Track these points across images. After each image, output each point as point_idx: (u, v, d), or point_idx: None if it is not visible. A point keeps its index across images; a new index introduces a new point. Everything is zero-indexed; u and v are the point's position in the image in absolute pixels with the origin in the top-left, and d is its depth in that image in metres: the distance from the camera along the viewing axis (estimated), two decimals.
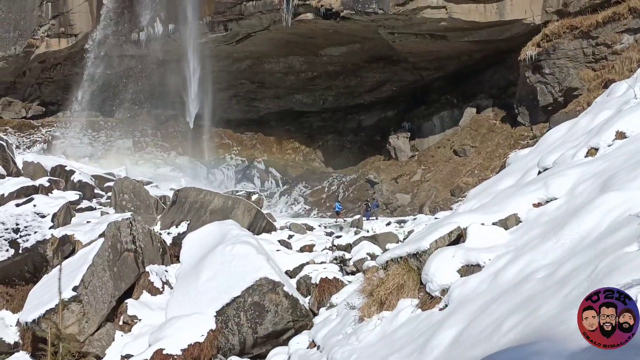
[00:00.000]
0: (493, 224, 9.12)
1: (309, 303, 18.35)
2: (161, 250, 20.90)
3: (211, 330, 17.04)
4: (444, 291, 8.28)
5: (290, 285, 18.59)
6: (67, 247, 20.73)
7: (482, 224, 9.15)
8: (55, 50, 40.56)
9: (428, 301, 8.65)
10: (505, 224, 9.13)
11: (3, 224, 21.88)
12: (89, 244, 19.65)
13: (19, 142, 39.57)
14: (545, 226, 7.93)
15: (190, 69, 39.22)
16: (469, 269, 8.23)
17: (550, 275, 6.22)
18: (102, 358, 17.20)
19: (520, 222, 8.96)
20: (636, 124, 10.11)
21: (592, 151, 10.46)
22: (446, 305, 7.91)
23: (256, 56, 40.73)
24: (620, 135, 10.25)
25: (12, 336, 18.67)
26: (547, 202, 8.90)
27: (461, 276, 8.25)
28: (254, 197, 33.53)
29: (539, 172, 11.37)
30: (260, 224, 24.56)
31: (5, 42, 39.73)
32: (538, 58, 32.79)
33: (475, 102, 37.73)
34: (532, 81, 32.82)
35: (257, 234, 22.62)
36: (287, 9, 34.75)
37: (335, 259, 21.13)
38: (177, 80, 39.64)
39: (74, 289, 17.27)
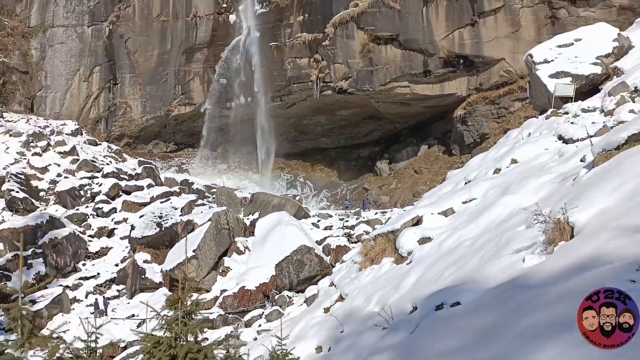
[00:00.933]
0: (438, 213, 11.29)
1: (329, 259, 22.53)
2: (244, 228, 25.52)
3: (272, 275, 21.22)
4: (409, 253, 10.24)
5: (319, 249, 22.74)
6: (189, 227, 25.84)
7: (432, 214, 11.28)
8: (183, 113, 51.01)
9: (400, 259, 10.66)
10: (445, 213, 11.25)
11: (153, 213, 28.64)
12: (202, 225, 24.28)
13: (161, 166, 48.49)
14: (469, 215, 9.82)
15: (258, 124, 48.87)
16: (424, 240, 10.20)
17: (472, 244, 8.01)
18: (209, 291, 21.85)
19: (454, 212, 10.95)
20: (523, 154, 12.82)
21: (497, 171, 12.75)
22: (411, 262, 9.78)
23: (298, 116, 49.66)
24: (514, 161, 12.61)
25: (158, 278, 24.46)
26: (470, 201, 10.99)
27: (419, 244, 10.16)
28: (297, 198, 41.17)
29: (465, 183, 13.44)
30: (300, 214, 29.59)
31: (155, 109, 50.34)
32: (464, 116, 42.42)
33: (427, 142, 46.74)
34: (461, 129, 42.68)
35: (299, 219, 27.18)
36: (316, 88, 44.97)
37: (345, 234, 26.73)
38: (253, 130, 49.29)
39: (194, 251, 22.21)
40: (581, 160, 9.62)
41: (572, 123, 13.63)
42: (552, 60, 18.62)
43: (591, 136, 10.61)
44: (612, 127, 11.22)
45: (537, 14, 39.53)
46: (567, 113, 15.69)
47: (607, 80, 17.11)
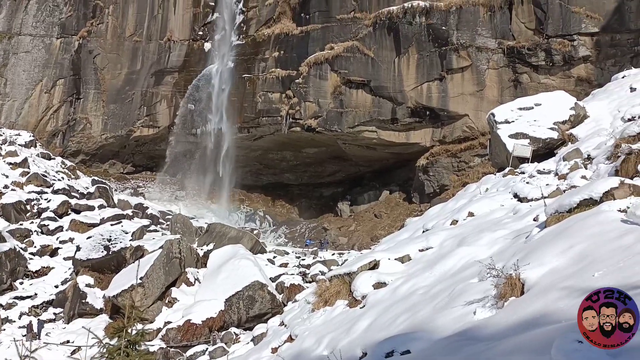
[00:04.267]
0: (395, 259, 11.32)
1: (282, 298, 22.66)
2: (196, 259, 25.42)
3: (221, 310, 21.26)
4: (364, 297, 10.22)
5: (272, 286, 22.98)
6: (139, 252, 25.69)
7: (389, 259, 11.34)
8: (145, 135, 50.75)
9: (354, 302, 10.64)
10: (402, 259, 11.30)
11: (101, 235, 27.94)
12: (153, 252, 24.21)
13: (116, 187, 47.75)
14: (425, 263, 9.97)
15: (223, 153, 48.64)
16: (379, 285, 10.23)
17: (427, 292, 8.11)
18: (153, 322, 21.75)
19: (411, 259, 11.05)
20: (480, 209, 13.12)
21: (455, 222, 12.95)
22: (364, 306, 9.75)
23: (264, 149, 49.56)
24: (471, 214, 12.90)
25: (99, 304, 24.16)
26: (427, 249, 11.11)
27: (374, 289, 10.17)
28: (255, 232, 39.52)
29: (423, 232, 13.68)
30: (257, 248, 29.82)
31: (116, 128, 49.90)
32: (426, 165, 43.13)
33: (389, 187, 47.02)
34: (422, 178, 43.39)
35: (255, 254, 27.24)
36: (285, 124, 45.41)
37: (300, 272, 26.95)
38: (216, 159, 48.91)
39: (141, 278, 22.09)
40: (534, 219, 9.83)
41: (527, 183, 13.98)
42: (513, 122, 19.35)
43: (545, 197, 10.90)
44: (564, 191, 11.57)
45: (502, 76, 41.42)
46: (523, 173, 16.09)
47: (563, 145, 17.74)
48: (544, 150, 17.97)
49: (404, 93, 43.20)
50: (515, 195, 13.22)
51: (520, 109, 19.95)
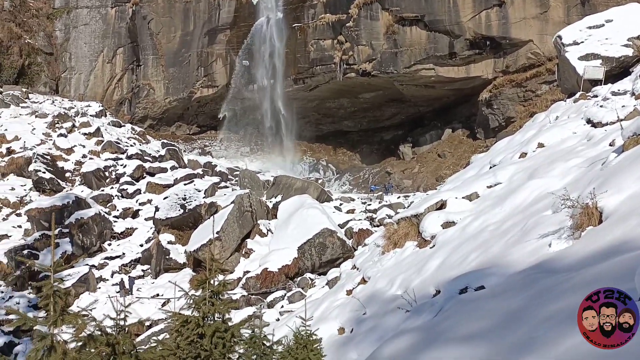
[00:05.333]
0: (462, 198, 11.37)
1: (352, 243, 23.01)
2: (266, 211, 26.20)
3: (295, 257, 21.83)
4: (433, 237, 10.40)
5: (341, 232, 23.21)
6: (212, 209, 26.32)
7: (456, 198, 11.40)
8: (205, 95, 51.25)
9: (423, 243, 10.83)
10: (469, 198, 11.33)
11: (176, 195, 28.84)
12: (225, 207, 24.90)
13: (185, 148, 48.88)
14: (494, 199, 9.87)
15: (281, 107, 49.16)
16: (447, 224, 10.34)
17: (497, 229, 7.98)
18: (232, 273, 22.58)
19: (479, 197, 11.02)
20: (550, 138, 12.94)
21: (523, 155, 12.83)
22: (434, 245, 9.86)
23: (321, 98, 49.55)
24: (541, 145, 12.73)
25: (182, 259, 25.24)
26: (495, 185, 11.03)
27: (443, 228, 10.32)
28: (319, 181, 41.69)
29: (490, 167, 13.48)
30: (323, 197, 30.02)
31: (177, 91, 50.79)
32: (489, 99, 42.24)
33: (451, 125, 46.44)
34: (486, 113, 42.57)
35: (322, 203, 27.36)
36: (340, 71, 45.16)
37: (367, 217, 27.11)
38: (276, 113, 49.86)
39: (217, 233, 22.73)
40: (610, 145, 9.48)
41: (601, 106, 13.40)
42: (582, 42, 18.20)
43: (621, 120, 10.46)
44: None
45: None
46: (596, 96, 15.37)
47: (639, 62, 16.60)
48: (618, 70, 16.88)
49: (461, 24, 41.51)
50: (589, 121, 12.70)
51: (590, 27, 18.67)
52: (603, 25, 18.63)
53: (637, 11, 18.60)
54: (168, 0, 51.25)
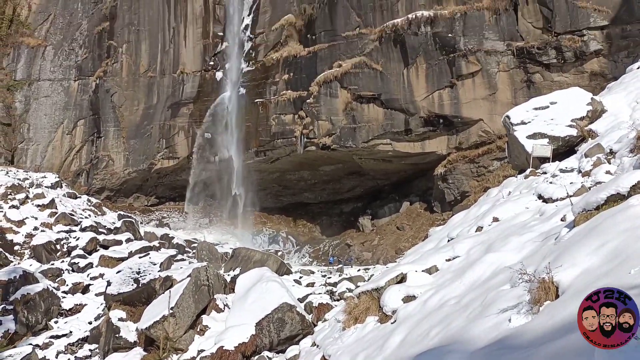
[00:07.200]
0: (422, 271, 11.33)
1: (311, 318, 21.48)
2: (224, 285, 24.37)
3: (252, 334, 20.29)
4: (394, 312, 10.21)
5: (301, 307, 21.70)
6: (167, 283, 25.08)
7: (416, 271, 11.35)
8: (166, 167, 51.48)
9: (384, 318, 10.62)
10: (429, 271, 11.31)
11: (130, 268, 26.75)
12: (181, 281, 23.45)
13: (142, 220, 48.22)
14: (454, 273, 9.89)
15: (241, 179, 49.33)
16: (408, 298, 10.23)
17: (457, 303, 7.98)
18: (186, 352, 20.75)
19: (438, 270, 11.03)
20: (504, 213, 12.98)
21: (479, 228, 12.92)
22: (395, 321, 9.71)
23: (282, 170, 49.84)
24: (495, 219, 12.83)
25: (132, 337, 23.12)
26: (454, 258, 11.09)
27: (404, 303, 10.19)
28: (279, 254, 40.40)
29: (448, 240, 13.55)
30: (283, 269, 29.20)
31: (138, 162, 50.74)
32: (444, 173, 42.33)
33: (409, 198, 46.71)
34: (442, 187, 42.43)
35: (281, 275, 26.35)
36: (300, 144, 45.64)
37: (327, 291, 25.07)
38: (237, 185, 49.51)
39: (171, 308, 21.16)
40: (562, 220, 9.60)
41: (551, 183, 13.74)
42: (529, 122, 19.15)
43: (570, 196, 10.74)
44: (590, 188, 11.40)
45: (513, 78, 41.04)
46: (545, 173, 15.84)
47: (583, 142, 17.49)
48: (564, 149, 17.75)
49: (415, 103, 43.17)
50: (540, 197, 12.96)
51: (536, 108, 19.75)
52: (548, 106, 19.50)
53: (578, 94, 19.37)
54: (132, 75, 51.92)
